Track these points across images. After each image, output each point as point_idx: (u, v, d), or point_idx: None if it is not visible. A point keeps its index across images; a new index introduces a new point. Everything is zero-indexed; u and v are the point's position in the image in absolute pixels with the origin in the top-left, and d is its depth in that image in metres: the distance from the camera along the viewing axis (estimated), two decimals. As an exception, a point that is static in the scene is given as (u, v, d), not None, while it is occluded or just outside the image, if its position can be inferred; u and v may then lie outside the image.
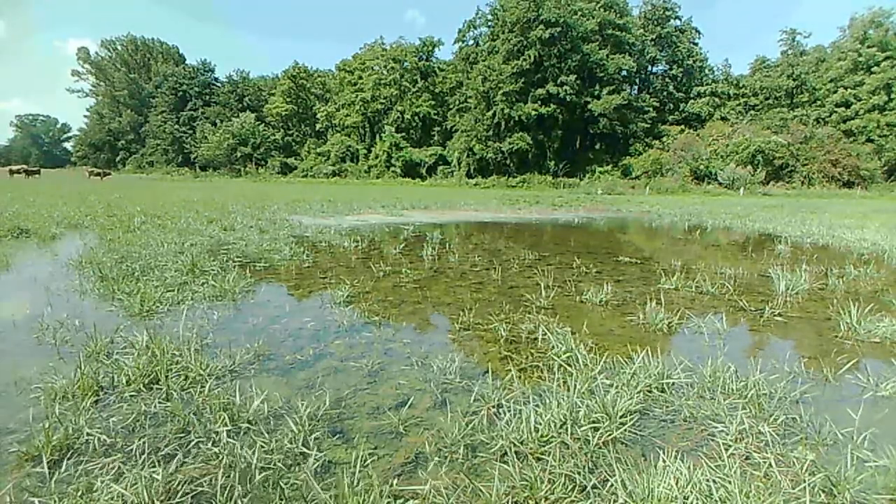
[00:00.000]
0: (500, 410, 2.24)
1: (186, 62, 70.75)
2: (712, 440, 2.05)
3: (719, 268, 5.68)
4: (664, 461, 1.77)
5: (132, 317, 3.57)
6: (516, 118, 39.31)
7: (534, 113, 38.83)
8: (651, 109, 42.32)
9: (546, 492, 1.65)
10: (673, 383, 2.50)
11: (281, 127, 57.73)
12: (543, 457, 1.88)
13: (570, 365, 2.84)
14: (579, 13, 40.03)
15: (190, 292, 4.20)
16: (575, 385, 2.40)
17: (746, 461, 1.89)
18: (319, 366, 2.81)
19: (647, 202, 21.97)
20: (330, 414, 2.23)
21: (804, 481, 1.70)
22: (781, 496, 1.63)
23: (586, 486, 1.71)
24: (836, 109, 40.63)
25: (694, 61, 45.63)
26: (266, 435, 2.02)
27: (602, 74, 40.81)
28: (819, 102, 42.07)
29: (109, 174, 40.53)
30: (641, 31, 44.48)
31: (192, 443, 1.95)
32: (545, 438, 1.99)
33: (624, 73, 43.41)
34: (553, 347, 3.08)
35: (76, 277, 4.63)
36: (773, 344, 3.47)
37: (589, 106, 39.61)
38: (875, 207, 20.82)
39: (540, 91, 38.95)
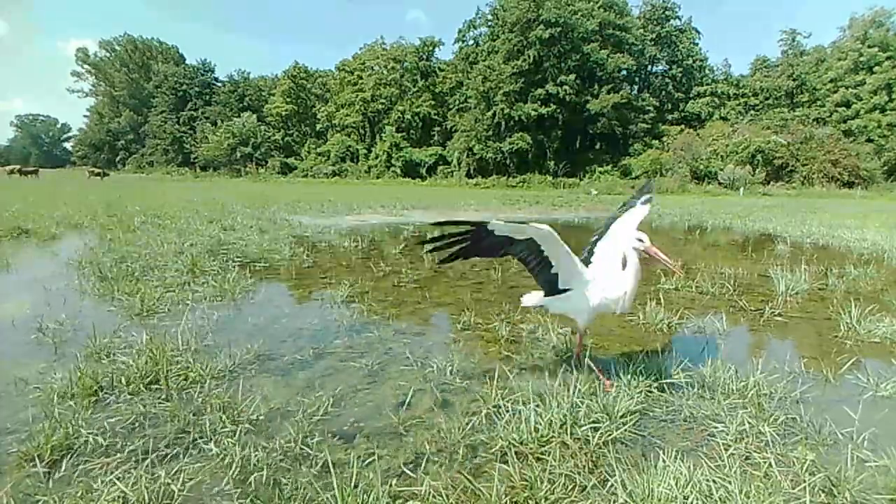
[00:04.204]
0: (500, 410, 2.24)
1: (186, 62, 70.65)
2: (712, 440, 2.05)
3: (719, 268, 5.68)
4: (664, 461, 1.76)
5: (132, 317, 3.57)
6: (516, 118, 39.26)
7: (534, 113, 38.78)
8: (651, 109, 42.27)
9: (546, 492, 1.65)
10: (673, 383, 2.50)
11: (281, 127, 57.62)
12: (543, 457, 1.88)
13: (570, 365, 2.84)
14: (579, 13, 39.96)
15: (190, 292, 4.19)
16: (575, 385, 2.40)
17: (746, 461, 1.89)
18: (319, 366, 2.81)
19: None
20: (330, 414, 2.23)
21: (804, 481, 1.70)
22: (781, 496, 1.63)
23: (586, 486, 1.71)
24: (836, 109, 40.56)
25: (694, 61, 45.56)
26: (266, 435, 2.02)
27: (602, 74, 40.77)
28: (819, 102, 42.01)
29: (108, 174, 40.46)
30: (641, 31, 44.43)
31: (193, 443, 1.95)
32: (545, 438, 1.99)
33: (624, 72, 43.34)
34: (553, 347, 3.09)
35: (76, 277, 4.63)
36: (773, 344, 3.47)
37: (588, 105, 39.58)
38: (875, 207, 20.81)
39: (540, 91, 38.90)
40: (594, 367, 2.61)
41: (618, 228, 2.72)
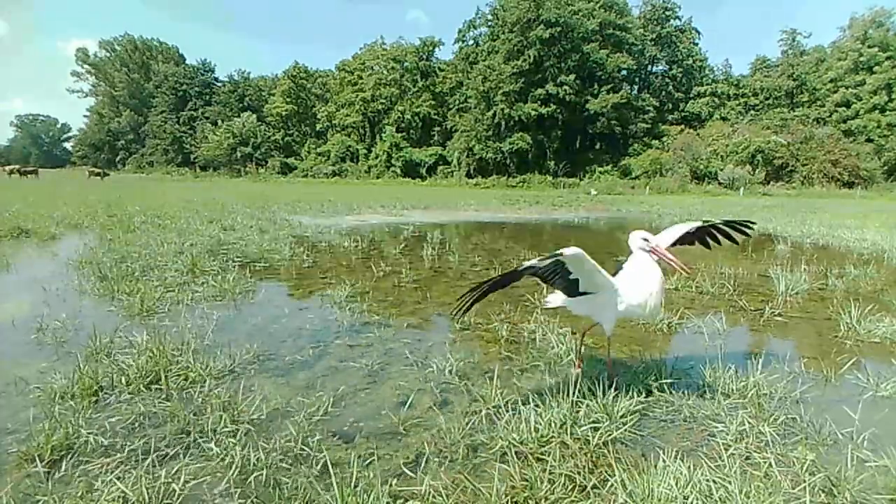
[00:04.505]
0: (500, 410, 2.24)
1: (186, 62, 70.60)
2: (712, 440, 2.05)
3: (719, 268, 5.68)
4: (664, 461, 1.76)
5: (132, 317, 3.57)
6: (516, 118, 39.28)
7: (534, 113, 38.80)
8: (651, 109, 42.28)
9: (546, 492, 1.65)
10: (673, 383, 2.50)
11: (281, 127, 57.62)
12: (543, 457, 1.88)
13: (570, 365, 2.84)
14: (579, 13, 39.97)
15: (190, 292, 4.19)
16: (575, 385, 2.40)
17: (746, 461, 1.89)
18: (319, 366, 2.81)
19: (647, 202, 21.96)
20: (330, 414, 2.23)
21: (804, 481, 1.70)
22: (781, 496, 1.63)
23: (586, 486, 1.71)
24: (836, 109, 40.57)
25: (694, 61, 45.60)
26: (266, 435, 2.02)
27: (602, 74, 40.78)
28: (819, 102, 42.03)
29: (108, 174, 40.53)
30: (641, 31, 44.42)
31: (193, 443, 1.95)
32: (545, 438, 1.99)
33: (623, 72, 43.37)
34: (553, 347, 3.08)
35: (76, 277, 4.63)
36: (773, 344, 3.47)
37: (588, 105, 39.59)
38: (875, 207, 20.81)
39: (540, 91, 38.91)
40: (607, 362, 2.74)
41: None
